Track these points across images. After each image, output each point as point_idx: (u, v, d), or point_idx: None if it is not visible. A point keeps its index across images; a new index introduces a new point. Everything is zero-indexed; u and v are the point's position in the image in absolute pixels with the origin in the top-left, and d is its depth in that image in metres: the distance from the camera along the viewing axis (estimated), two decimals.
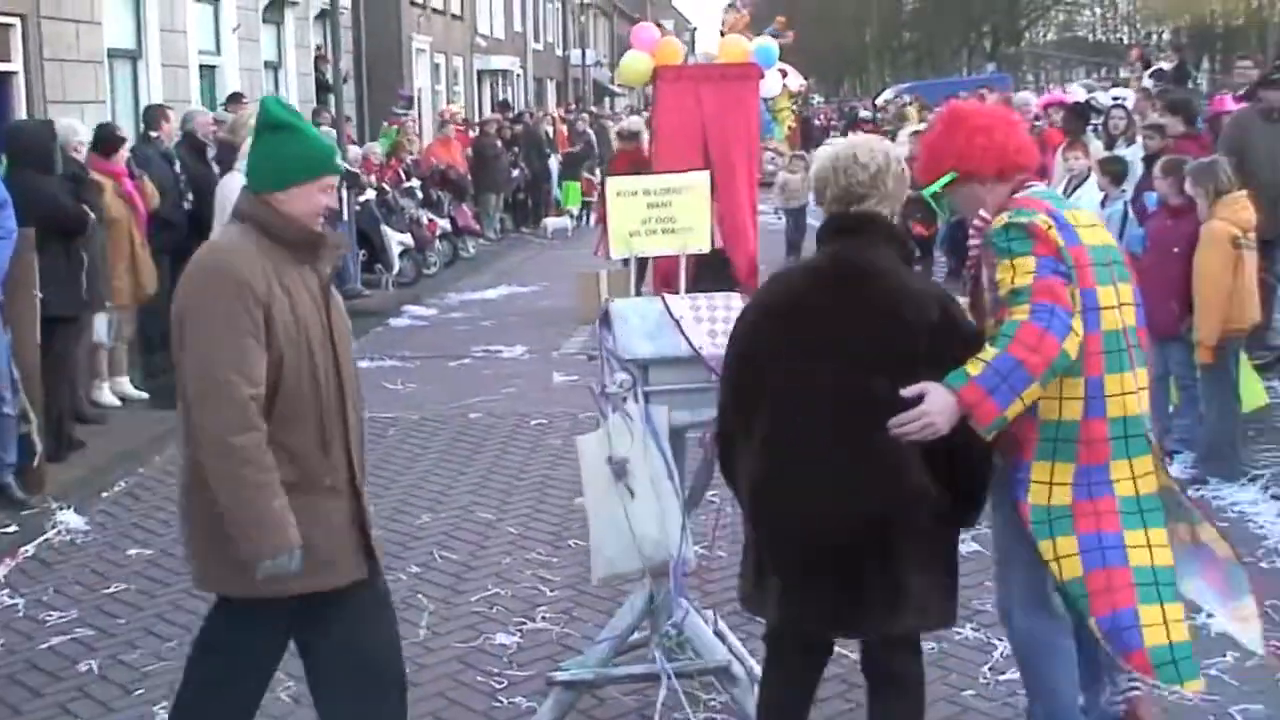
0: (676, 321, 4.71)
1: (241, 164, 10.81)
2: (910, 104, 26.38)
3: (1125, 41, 68.27)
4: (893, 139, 14.45)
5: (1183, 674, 4.31)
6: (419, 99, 28.89)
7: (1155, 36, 58.76)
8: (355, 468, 4.12)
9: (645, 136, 16.32)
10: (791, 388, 3.96)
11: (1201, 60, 47.91)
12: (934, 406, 3.82)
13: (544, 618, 6.25)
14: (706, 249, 5.12)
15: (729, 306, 4.82)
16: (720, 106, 13.42)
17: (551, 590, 6.60)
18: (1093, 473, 4.23)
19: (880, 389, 3.85)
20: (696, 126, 13.37)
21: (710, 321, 4.73)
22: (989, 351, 3.93)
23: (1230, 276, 8.03)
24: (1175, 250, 8.44)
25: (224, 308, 3.83)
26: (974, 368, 3.89)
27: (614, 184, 4.98)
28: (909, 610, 4.00)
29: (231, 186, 10.77)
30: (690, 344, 4.67)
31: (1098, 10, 76.03)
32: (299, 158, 4.02)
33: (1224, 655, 5.77)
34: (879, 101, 34.48)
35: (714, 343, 4.69)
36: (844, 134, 25.93)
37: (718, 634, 5.11)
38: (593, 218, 17.08)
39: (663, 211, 5.00)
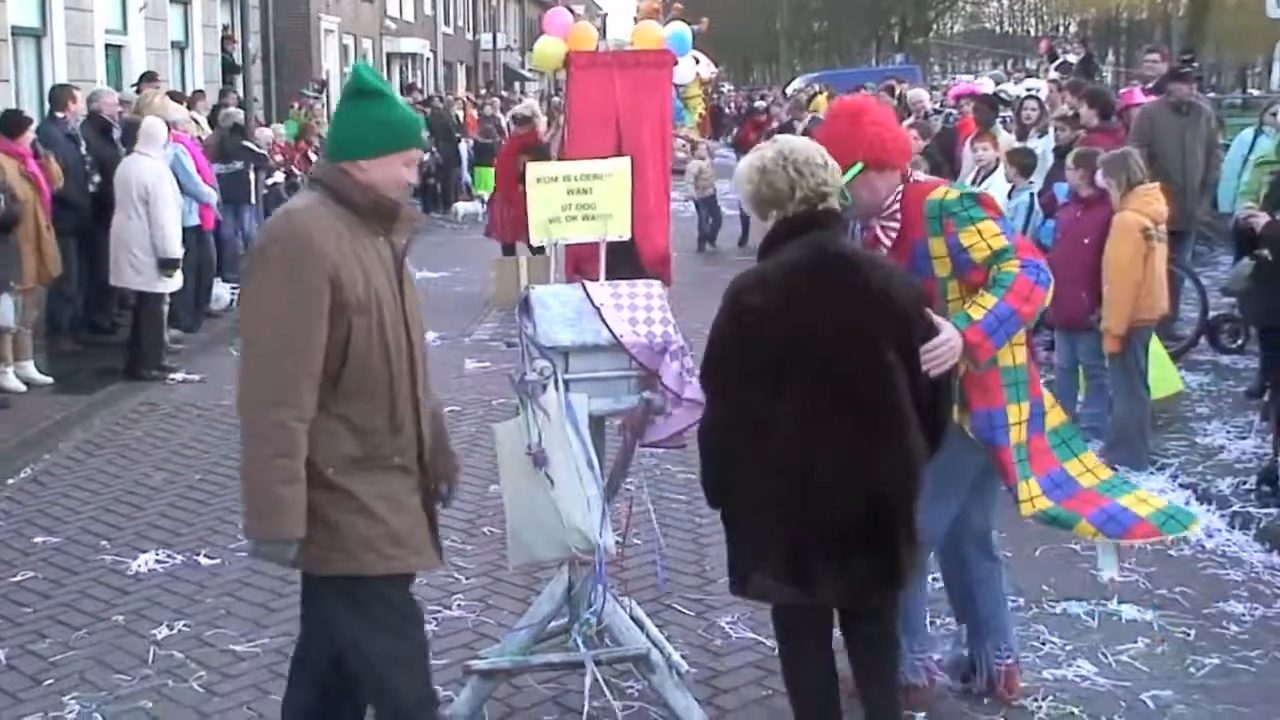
0: (597, 309, 4.68)
1: (146, 146, 10.73)
2: (820, 93, 26.45)
3: (1032, 33, 69.16)
4: (792, 130, 14.52)
5: (1183, 520, 4.98)
6: (328, 81, 28.58)
7: (1061, 29, 59.53)
8: (424, 449, 4.07)
9: (541, 120, 16.22)
10: (815, 378, 4.14)
11: (1106, 53, 48.61)
12: (954, 341, 4.34)
13: (459, 605, 6.21)
14: (627, 236, 5.10)
15: (649, 294, 4.80)
16: (633, 93, 13.44)
17: (466, 578, 6.56)
18: (1036, 406, 4.86)
19: (892, 360, 4.19)
20: (609, 112, 13.38)
21: (631, 309, 4.71)
22: (988, 299, 4.51)
23: (1140, 267, 8.14)
24: (1086, 241, 8.55)
25: (290, 275, 3.68)
26: (976, 313, 4.48)
27: (534, 169, 4.94)
28: (913, 569, 4.41)
29: (134, 168, 10.61)
30: (611, 332, 4.64)
31: (1004, 2, 76.97)
32: (387, 126, 3.87)
33: (1135, 641, 5.88)
34: (789, 90, 34.60)
35: (634, 330, 4.67)
36: (742, 126, 25.98)
37: (635, 621, 5.10)
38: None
39: (583, 198, 4.96)
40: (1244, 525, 7.34)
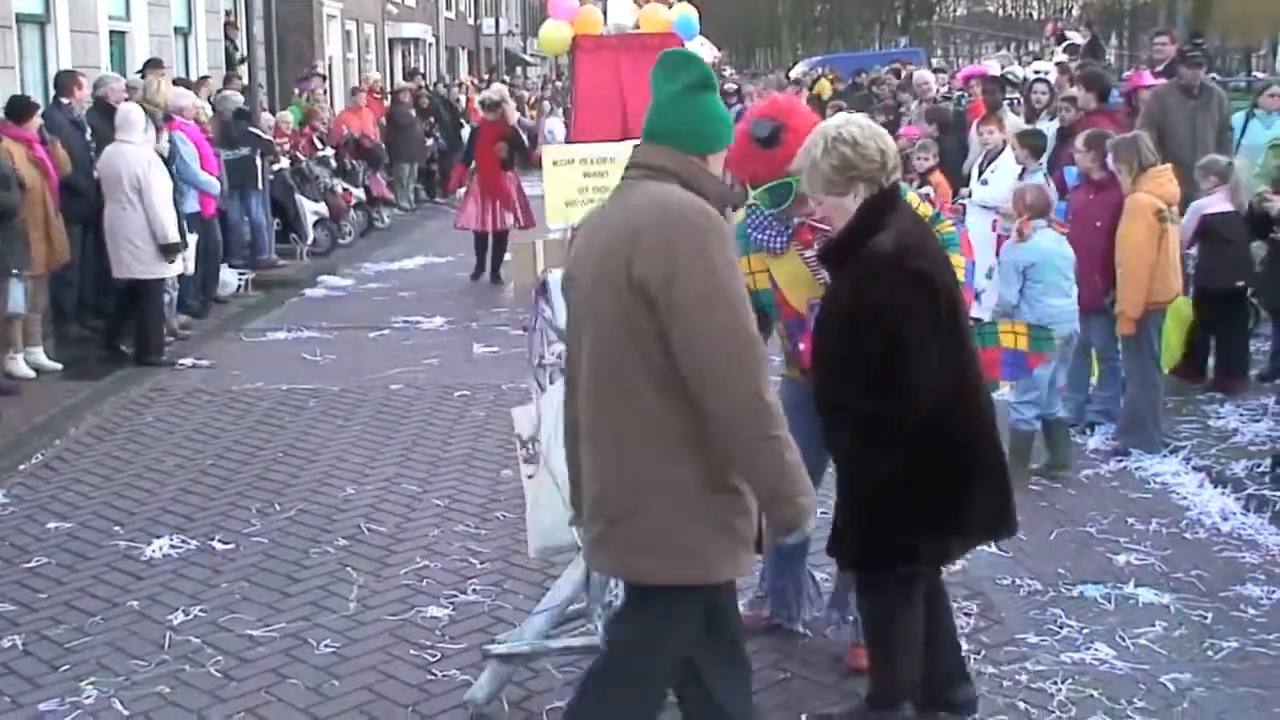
0: None
1: (126, 134, 10.63)
2: (823, 77, 26.37)
3: (1035, 17, 68.93)
4: None
5: (1043, 339, 5.88)
6: (330, 66, 28.48)
7: (1064, 12, 59.34)
8: None
9: (510, 105, 15.94)
10: (963, 325, 4.55)
11: (1110, 36, 48.45)
12: None
13: (475, 590, 6.19)
14: None
15: None
16: (639, 76, 13.28)
17: (481, 562, 6.54)
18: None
19: None
20: (615, 96, 13.31)
21: None
22: (958, 259, 4.85)
23: (1154, 249, 8.11)
24: (1098, 224, 8.51)
25: (728, 259, 3.64)
26: (960, 274, 4.80)
27: (550, 152, 4.95)
28: None
29: (120, 158, 10.53)
30: None
31: None
32: (725, 124, 3.90)
33: (1152, 625, 5.85)
34: (791, 74, 34.46)
35: None
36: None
37: None
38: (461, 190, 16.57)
39: (599, 180, 4.98)
40: (1259, 508, 7.31)
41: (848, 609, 5.41)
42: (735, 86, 25.37)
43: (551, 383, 4.64)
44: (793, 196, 4.89)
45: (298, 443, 8.70)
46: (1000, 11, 78.69)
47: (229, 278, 14.06)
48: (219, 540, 6.88)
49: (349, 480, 7.86)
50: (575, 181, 4.74)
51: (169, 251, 10.67)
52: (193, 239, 12.40)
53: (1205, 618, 5.97)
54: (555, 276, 4.73)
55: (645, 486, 3.64)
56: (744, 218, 5.01)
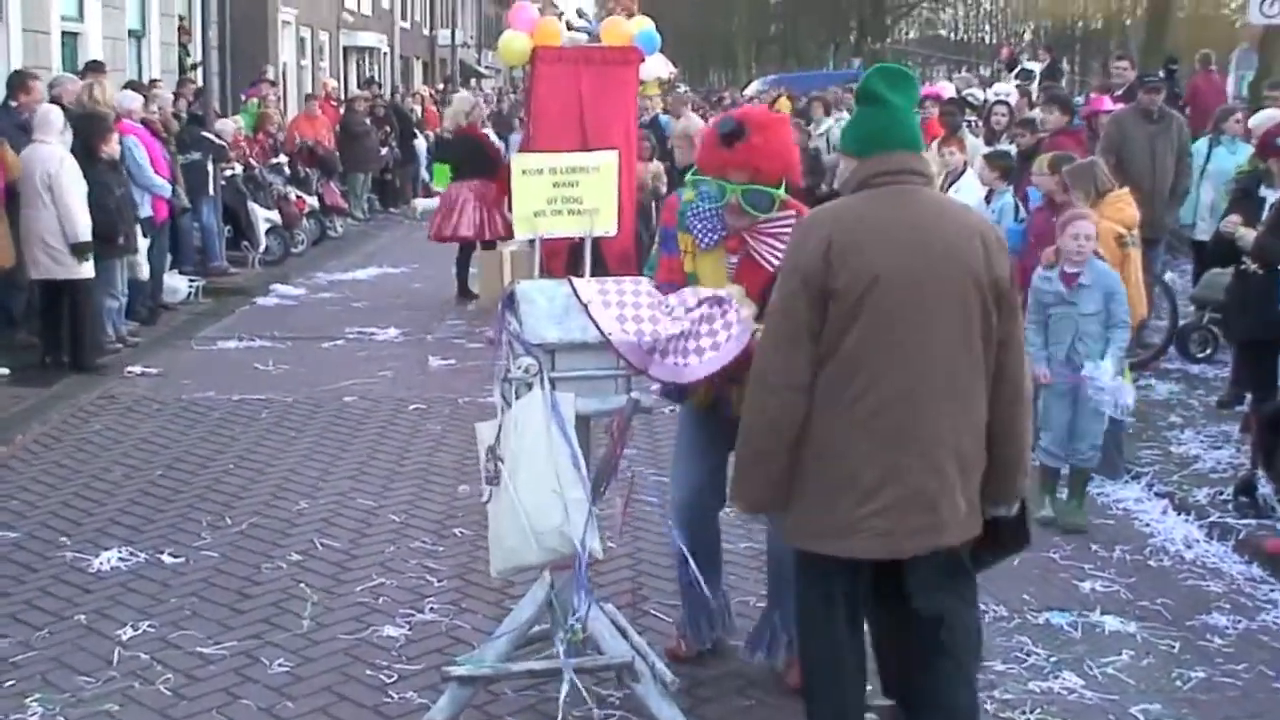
0: (585, 306, 4.54)
1: (43, 133, 10.36)
2: (781, 96, 26.28)
3: (987, 41, 69.43)
4: None
5: None
6: (284, 73, 28.24)
7: (1017, 37, 59.81)
8: None
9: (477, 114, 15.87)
10: None
11: (1061, 61, 48.79)
12: None
13: (432, 609, 6.05)
14: (613, 231, 4.97)
15: (638, 291, 4.66)
16: (599, 90, 13.28)
17: (439, 580, 6.40)
18: None
19: None
20: (574, 109, 13.20)
21: (619, 306, 4.56)
22: None
23: (1122, 274, 8.08)
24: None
25: None
26: None
27: (519, 161, 4.80)
28: None
29: (34, 157, 10.29)
30: (600, 329, 4.51)
31: (960, 9, 77.22)
32: None
33: (1119, 654, 5.80)
34: (746, 92, 34.46)
35: (623, 329, 4.53)
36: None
37: (618, 628, 4.96)
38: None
39: (569, 191, 4.83)
40: (1222, 536, 7.28)
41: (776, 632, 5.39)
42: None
43: (518, 397, 4.51)
44: (723, 203, 4.84)
45: (249, 454, 8.52)
46: (952, 35, 79.16)
47: (179, 284, 13.83)
48: (169, 554, 6.71)
49: (302, 494, 7.70)
50: (544, 192, 4.60)
51: (79, 251, 10.39)
52: (145, 244, 12.21)
53: (1172, 647, 5.92)
54: (524, 288, 4.63)
55: (972, 461, 4.09)
56: (692, 198, 4.98)
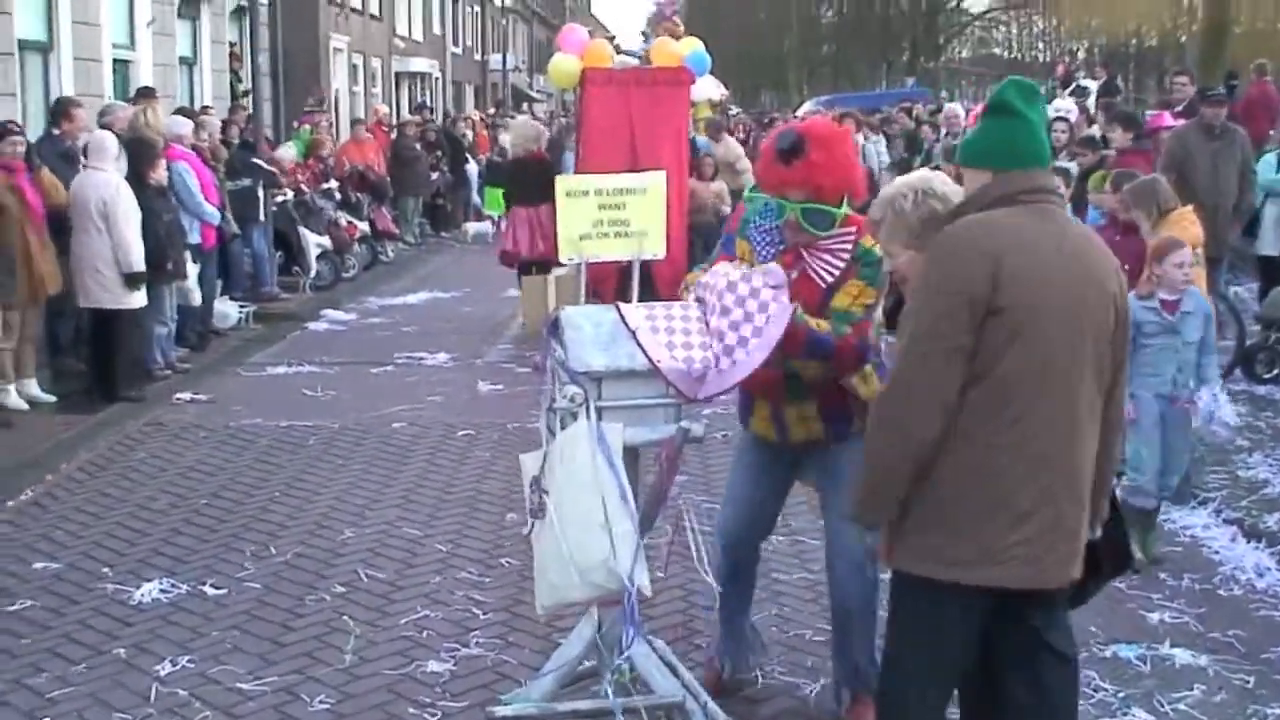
0: (632, 332, 4.38)
1: (97, 160, 10.33)
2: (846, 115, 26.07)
3: (1040, 59, 68.88)
4: None
5: None
6: (336, 100, 28.33)
7: (1071, 55, 59.28)
8: None
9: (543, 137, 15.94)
10: None
11: (1116, 78, 48.32)
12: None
13: (478, 643, 5.89)
14: (662, 254, 4.82)
15: (687, 317, 4.50)
16: (649, 111, 13.19)
17: (484, 613, 6.24)
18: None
19: None
20: (625, 130, 13.11)
21: (668, 333, 4.40)
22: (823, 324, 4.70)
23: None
24: (1125, 267, 8.23)
25: None
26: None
27: (564, 183, 4.66)
28: None
29: (88, 184, 10.24)
30: (648, 356, 4.34)
31: (1014, 28, 76.68)
32: None
33: (1191, 689, 5.59)
34: (799, 113, 34.24)
35: (671, 355, 4.36)
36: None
37: (668, 665, 4.79)
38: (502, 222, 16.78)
39: (615, 214, 4.69)
40: None
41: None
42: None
43: (563, 428, 4.36)
44: (781, 220, 4.71)
45: (295, 482, 8.42)
46: (1005, 54, 78.62)
47: (229, 310, 13.80)
48: (210, 585, 6.59)
49: (348, 523, 7.58)
50: (590, 214, 4.49)
51: (133, 281, 10.34)
52: (195, 270, 12.17)
53: (1247, 682, 5.67)
54: (569, 314, 4.47)
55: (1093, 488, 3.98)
56: (754, 210, 4.89)
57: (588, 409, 4.30)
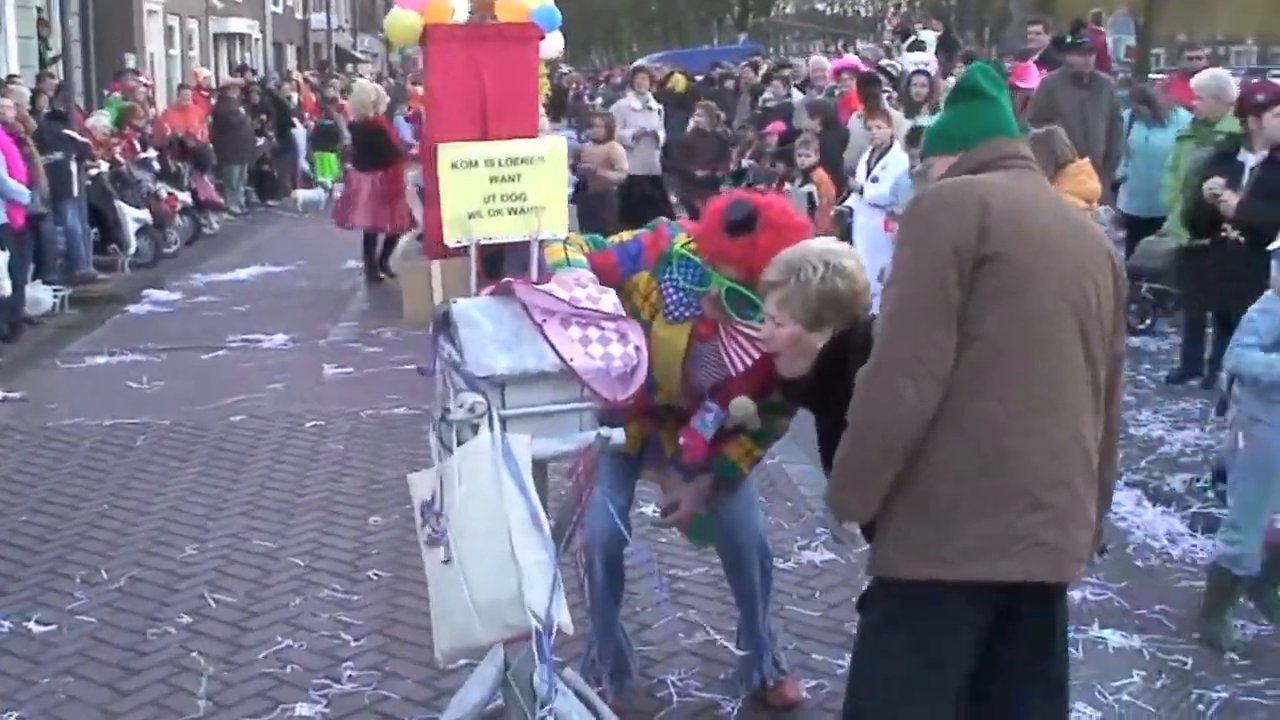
0: (539, 326, 3.71)
1: None
2: (673, 74, 25.50)
3: (862, 14, 69.35)
4: None
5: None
6: (151, 64, 26.92)
7: (896, 7, 59.59)
8: None
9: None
10: None
11: (951, 30, 48.63)
12: None
13: (351, 677, 5.16)
14: (563, 233, 4.14)
15: (596, 299, 3.84)
16: (499, 70, 12.44)
17: (355, 639, 5.50)
18: None
19: None
20: (475, 91, 12.34)
21: (581, 325, 3.75)
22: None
23: None
24: None
25: None
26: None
27: (448, 152, 3.94)
28: None
29: None
30: (559, 355, 3.68)
31: None
32: None
33: (1130, 675, 5.20)
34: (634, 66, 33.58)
35: (587, 352, 3.71)
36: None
37: (583, 699, 4.14)
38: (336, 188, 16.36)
39: (509, 186, 3.99)
40: (1207, 529, 6.66)
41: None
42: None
43: (460, 442, 3.66)
44: (758, 315, 4.13)
45: (125, 490, 7.54)
46: (829, 9, 78.99)
47: (43, 296, 12.67)
48: (36, 620, 5.72)
49: (188, 537, 6.74)
50: (479, 188, 3.79)
51: None
52: (3, 257, 11.13)
53: (1185, 663, 5.32)
54: (462, 308, 3.77)
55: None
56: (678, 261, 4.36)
57: (490, 419, 3.62)
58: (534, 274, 4.05)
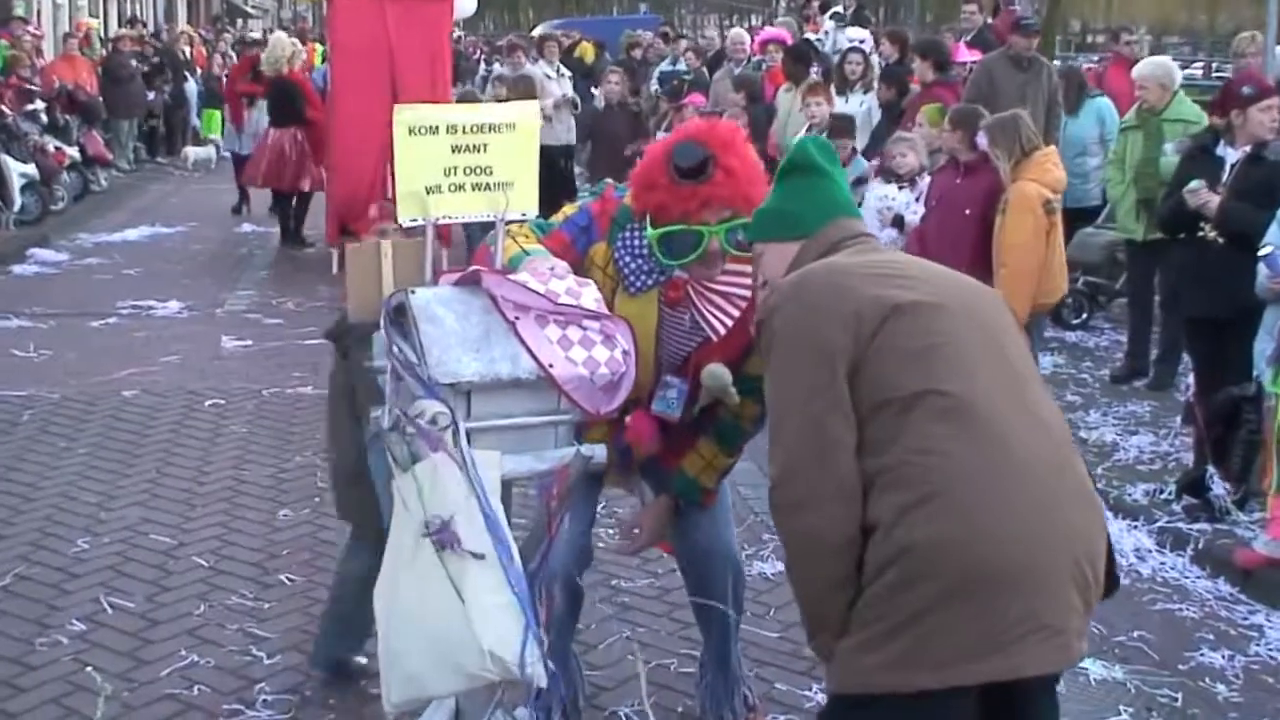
0: (512, 324, 3.18)
1: None
2: (580, 40, 24.86)
3: None
4: None
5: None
6: (38, 12, 25.73)
7: None
8: None
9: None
10: None
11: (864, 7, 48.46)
12: None
13: (265, 701, 4.61)
14: (533, 212, 3.61)
15: (577, 294, 3.32)
16: (408, 28, 11.86)
17: (269, 656, 4.93)
18: None
19: None
20: (381, 51, 11.73)
21: (560, 325, 3.23)
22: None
23: (1043, 245, 7.08)
24: (967, 212, 7.49)
25: None
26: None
27: (405, 116, 3.39)
28: None
29: None
30: (536, 360, 3.16)
31: None
32: None
33: (1118, 713, 4.81)
34: (535, 33, 32.86)
35: (568, 357, 3.19)
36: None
37: None
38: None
39: (474, 158, 3.45)
40: (1176, 545, 6.34)
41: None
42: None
43: (415, 460, 3.11)
44: (699, 253, 3.67)
45: (9, 473, 6.87)
46: None
47: None
48: None
49: (80, 529, 6.12)
50: (439, 159, 3.26)
51: None
52: None
53: (1175, 699, 4.95)
54: (422, 300, 3.23)
55: None
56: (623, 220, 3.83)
57: (456, 434, 3.09)
58: (498, 262, 3.52)
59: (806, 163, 3.22)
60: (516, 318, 3.19)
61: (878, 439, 2.80)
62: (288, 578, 5.63)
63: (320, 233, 13.42)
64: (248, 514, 6.38)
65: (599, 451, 3.31)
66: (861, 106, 11.22)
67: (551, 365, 3.16)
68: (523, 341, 3.17)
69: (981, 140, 7.37)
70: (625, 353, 3.25)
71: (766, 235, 3.22)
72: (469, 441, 3.12)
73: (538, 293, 3.23)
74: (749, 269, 3.69)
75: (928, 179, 8.21)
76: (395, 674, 3.15)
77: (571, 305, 3.24)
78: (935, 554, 2.71)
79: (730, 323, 3.76)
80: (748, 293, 3.71)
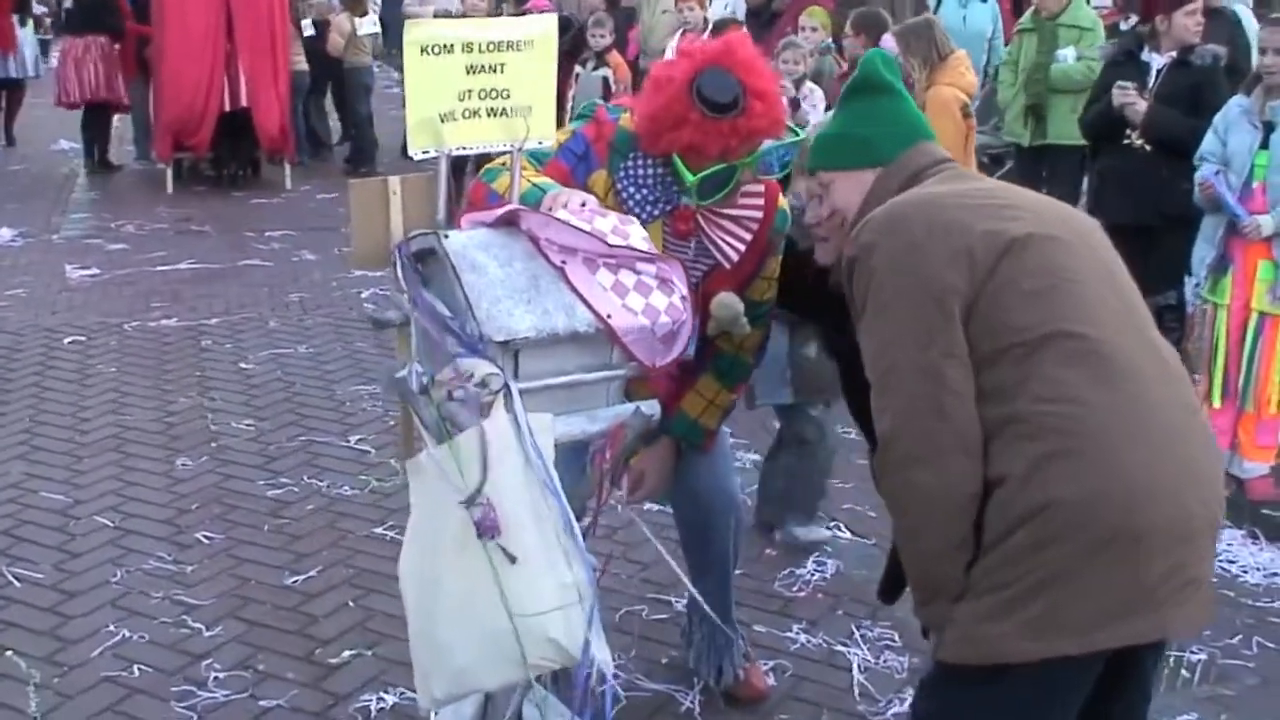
0: (560, 269, 2.81)
1: None
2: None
3: None
4: None
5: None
6: None
7: None
8: None
9: None
10: None
11: None
12: None
13: (218, 679, 4.18)
14: (551, 140, 3.22)
15: (625, 234, 2.97)
16: None
17: (208, 628, 4.48)
18: None
19: None
20: None
21: (612, 270, 2.86)
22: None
23: (962, 151, 6.86)
24: None
25: None
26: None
27: (416, 31, 2.95)
28: None
29: None
30: (592, 310, 2.80)
31: None
32: None
33: None
34: None
35: (625, 304, 2.84)
36: None
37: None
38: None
39: (489, 79, 3.04)
40: None
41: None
42: None
43: (457, 427, 2.73)
44: (729, 188, 3.37)
45: None
46: None
47: None
48: None
49: None
50: (455, 82, 2.84)
51: None
52: None
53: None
54: (459, 245, 2.84)
55: None
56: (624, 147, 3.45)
57: (508, 397, 2.72)
58: (515, 192, 3.13)
59: (877, 81, 2.92)
60: (564, 261, 2.82)
61: (1000, 386, 2.53)
62: (205, 536, 5.17)
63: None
64: (142, 464, 5.86)
65: (656, 408, 2.97)
66: (726, 9, 10.90)
67: (610, 315, 2.80)
68: (574, 289, 2.80)
69: (890, 44, 7.12)
70: (684, 298, 2.91)
71: (837, 164, 2.91)
72: (519, 404, 2.75)
73: (585, 232, 2.86)
74: (759, 188, 3.45)
75: (813, 88, 7.92)
76: (442, 668, 2.78)
77: (622, 246, 2.88)
78: (1083, 510, 2.45)
79: (743, 248, 3.45)
80: (759, 214, 3.45)
